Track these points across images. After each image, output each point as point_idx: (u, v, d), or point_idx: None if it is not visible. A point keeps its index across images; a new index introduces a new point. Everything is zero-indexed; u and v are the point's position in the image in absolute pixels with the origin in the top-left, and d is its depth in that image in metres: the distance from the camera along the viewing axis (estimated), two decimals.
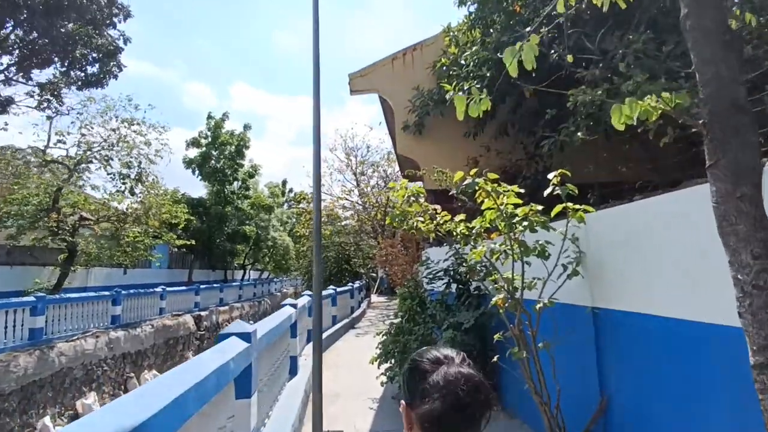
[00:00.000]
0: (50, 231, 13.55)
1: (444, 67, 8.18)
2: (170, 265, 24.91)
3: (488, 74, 6.27)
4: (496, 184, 3.31)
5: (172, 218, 17.05)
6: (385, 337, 6.83)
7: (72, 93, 12.66)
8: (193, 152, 25.00)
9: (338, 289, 13.72)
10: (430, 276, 6.40)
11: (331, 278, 27.91)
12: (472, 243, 4.26)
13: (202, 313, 19.11)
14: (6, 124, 12.28)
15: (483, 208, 3.57)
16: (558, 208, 3.17)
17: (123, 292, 13.78)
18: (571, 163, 4.83)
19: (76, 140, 13.13)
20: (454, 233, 4.38)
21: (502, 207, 3.38)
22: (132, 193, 14.41)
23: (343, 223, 29.59)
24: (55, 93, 12.49)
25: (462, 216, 4.37)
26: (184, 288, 18.64)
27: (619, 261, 3.31)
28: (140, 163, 14.23)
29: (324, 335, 11.58)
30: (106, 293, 13.09)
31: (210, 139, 24.82)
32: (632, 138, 4.81)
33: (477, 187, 3.34)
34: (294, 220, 29.51)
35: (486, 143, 7.77)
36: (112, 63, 12.70)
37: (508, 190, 3.32)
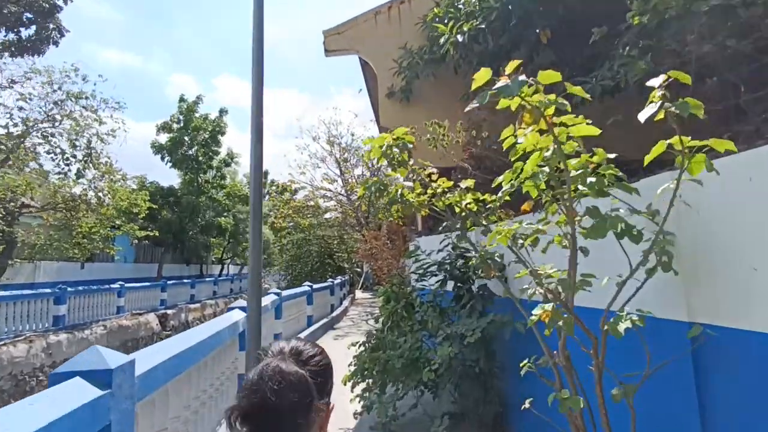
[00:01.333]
0: None
1: (437, 18, 6.72)
2: (137, 259, 23.10)
3: (497, 5, 4.82)
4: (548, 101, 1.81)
5: (131, 207, 15.35)
6: (361, 349, 5.39)
7: (5, 61, 10.87)
8: (164, 138, 23.15)
9: (315, 286, 12.25)
10: (421, 271, 4.98)
11: (313, 273, 26.38)
12: (484, 223, 2.85)
13: (169, 312, 17.46)
14: None
15: (514, 157, 2.14)
16: (660, 146, 1.73)
17: (70, 289, 12.12)
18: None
19: (12, 114, 11.37)
20: (458, 208, 2.97)
21: (555, 144, 1.93)
22: (79, 176, 12.67)
23: (326, 216, 28.07)
24: None
25: (469, 182, 2.94)
26: (148, 284, 16.97)
27: (744, 248, 1.91)
28: (90, 142, 12.50)
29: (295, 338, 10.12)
30: (47, 290, 11.42)
31: (182, 124, 22.98)
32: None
33: (516, 97, 1.82)
34: (274, 213, 27.97)
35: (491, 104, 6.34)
36: (50, 25, 10.93)
37: (570, 114, 1.85)
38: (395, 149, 2.70)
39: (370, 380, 4.85)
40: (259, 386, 0.85)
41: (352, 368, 5.06)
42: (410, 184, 2.90)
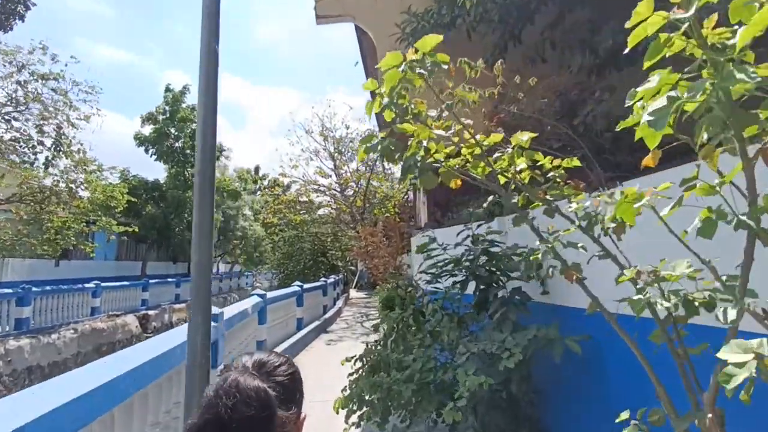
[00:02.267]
0: None
1: None
2: (119, 257, 21.92)
3: None
4: None
5: (107, 200, 14.24)
6: (357, 365, 4.38)
7: None
8: (149, 129, 21.96)
9: (306, 286, 11.24)
10: (434, 270, 3.99)
11: (305, 272, 25.34)
12: (548, 197, 1.87)
13: (151, 312, 16.36)
14: None
15: (648, 63, 1.15)
16: None
17: (35, 289, 11.02)
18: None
19: None
20: (503, 177, 1.98)
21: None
22: (47, 166, 11.55)
23: (319, 212, 27.04)
24: None
25: (529, 135, 1.93)
26: (127, 283, 15.86)
27: None
28: (60, 128, 11.37)
29: (285, 345, 9.11)
30: (7, 291, 10.31)
31: (168, 115, 21.81)
32: None
33: None
34: (266, 209, 26.86)
35: (514, 70, 5.38)
36: None
37: None
38: (420, 70, 1.69)
39: (369, 408, 3.86)
40: (215, 402, 0.83)
41: (347, 392, 4.05)
42: (441, 133, 1.89)
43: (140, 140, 21.44)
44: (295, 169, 19.95)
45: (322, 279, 14.67)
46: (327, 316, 13.46)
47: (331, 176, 23.31)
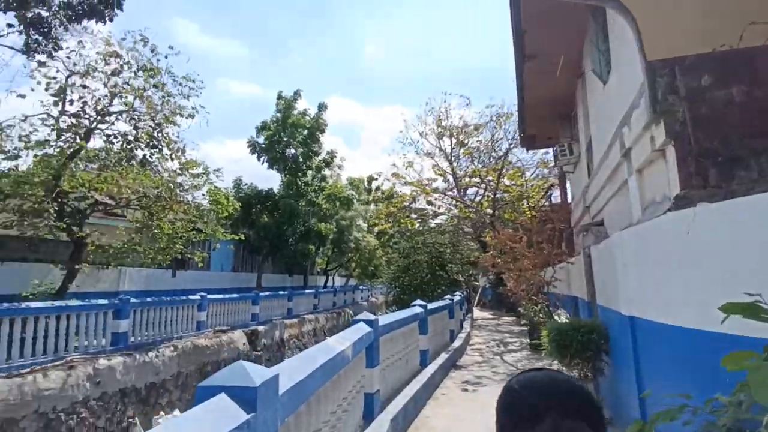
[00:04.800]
0: (52, 218, 10.30)
1: None
2: (236, 268, 21.69)
3: None
4: None
5: (212, 204, 13.28)
6: None
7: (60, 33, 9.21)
8: (262, 138, 21.62)
9: (430, 306, 8.50)
10: None
11: (423, 287, 22.73)
12: None
13: (260, 328, 15.13)
14: None
15: None
16: None
17: (134, 300, 10.03)
18: None
19: (76, 96, 9.73)
20: None
21: None
22: (144, 165, 10.67)
23: (437, 221, 24.37)
24: (45, 30, 9.14)
25: None
26: (236, 296, 14.79)
27: None
28: (159, 123, 10.44)
29: (408, 392, 6.31)
30: (103, 302, 9.34)
31: (279, 121, 21.24)
32: None
33: None
34: (379, 220, 24.95)
35: None
36: None
37: None
38: None
39: None
40: None
41: None
42: None
43: (253, 147, 21.11)
44: (410, 169, 17.62)
45: (447, 296, 11.81)
46: (456, 344, 10.55)
47: (448, 180, 20.56)
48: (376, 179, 13.59)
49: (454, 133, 17.13)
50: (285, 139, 20.91)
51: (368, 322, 4.83)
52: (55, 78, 9.58)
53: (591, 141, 8.06)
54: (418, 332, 7.70)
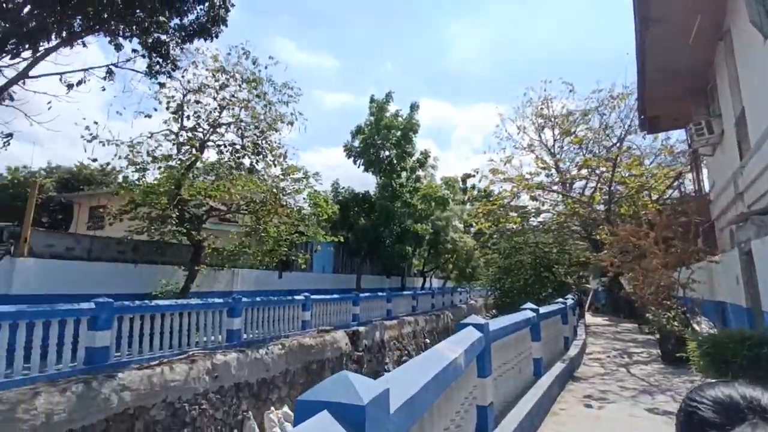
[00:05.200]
0: (174, 224, 11.35)
1: None
2: (336, 269, 22.32)
3: None
4: None
5: (316, 209, 13.68)
6: None
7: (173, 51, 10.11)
8: (357, 142, 22.05)
9: (542, 310, 7.67)
10: None
11: (527, 289, 21.33)
12: None
13: (361, 329, 15.25)
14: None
15: None
16: None
17: (245, 299, 10.60)
18: None
19: (192, 111, 10.61)
20: None
21: None
22: (251, 171, 11.26)
23: (540, 218, 22.75)
24: (164, 52, 10.11)
25: None
26: (337, 296, 15.07)
27: None
28: (262, 130, 10.97)
29: (521, 406, 5.63)
30: (218, 301, 9.98)
31: (373, 125, 21.48)
32: None
33: None
34: (477, 219, 23.87)
35: None
36: (218, 1, 9.65)
37: None
38: None
39: None
40: None
41: None
42: None
43: (349, 151, 21.60)
44: (508, 164, 16.52)
45: (559, 300, 10.72)
46: (571, 353, 9.48)
47: (551, 174, 18.90)
48: (473, 176, 12.95)
49: (558, 122, 15.64)
50: (379, 141, 21.07)
51: (478, 327, 4.32)
52: (173, 97, 10.50)
53: (744, 112, 6.63)
54: (530, 338, 6.96)
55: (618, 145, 14.64)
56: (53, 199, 21.72)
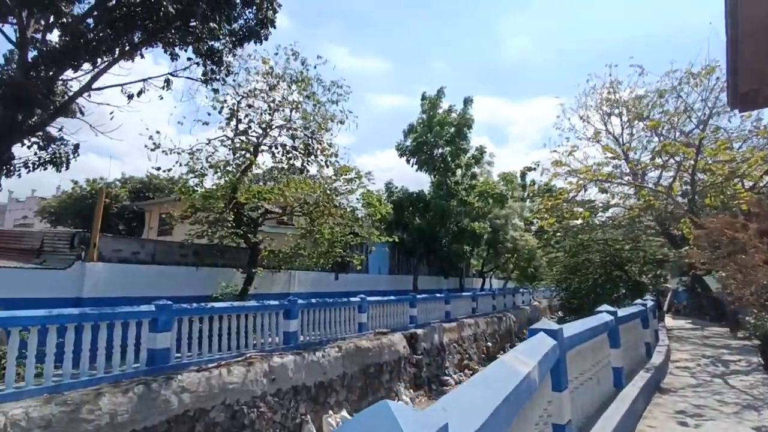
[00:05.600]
0: (230, 227, 11.55)
1: None
2: (393, 270, 22.00)
3: None
4: None
5: (370, 209, 13.45)
6: None
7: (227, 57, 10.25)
8: (410, 141, 21.64)
9: (621, 313, 6.82)
10: None
11: (596, 290, 19.85)
12: None
13: (419, 331, 14.80)
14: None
15: None
16: None
17: (301, 301, 10.52)
18: None
19: (243, 115, 10.73)
20: None
21: None
22: (302, 171, 11.18)
23: (608, 214, 21.09)
24: (217, 58, 10.29)
25: None
26: (394, 298, 14.72)
27: None
28: (312, 131, 10.88)
29: (601, 426, 4.91)
30: (275, 303, 9.95)
31: (425, 122, 20.97)
32: None
33: None
34: (539, 215, 22.46)
35: None
36: (265, 3, 9.67)
37: None
38: None
39: None
40: None
41: None
42: None
43: (402, 151, 21.22)
44: (571, 156, 15.31)
45: (638, 302, 9.64)
46: (655, 361, 8.45)
47: (620, 165, 17.30)
48: (533, 169, 12.06)
49: (629, 106, 14.18)
50: (432, 139, 20.53)
51: (551, 333, 3.76)
52: (225, 101, 10.67)
53: None
54: (609, 345, 6.19)
55: (701, 128, 13.03)
56: (127, 208, 23.24)
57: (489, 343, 20.23)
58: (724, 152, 11.64)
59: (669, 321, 20.78)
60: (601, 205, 19.15)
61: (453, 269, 26.31)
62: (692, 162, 11.97)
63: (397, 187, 21.51)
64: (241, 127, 10.65)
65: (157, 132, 10.72)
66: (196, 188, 10.97)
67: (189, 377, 7.21)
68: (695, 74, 12.64)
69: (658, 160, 14.40)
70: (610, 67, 16.40)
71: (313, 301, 11.11)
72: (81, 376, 6.25)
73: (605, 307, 6.57)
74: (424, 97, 21.63)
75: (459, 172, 21.62)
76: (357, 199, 13.49)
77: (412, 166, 21.05)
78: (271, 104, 10.62)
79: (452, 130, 20.74)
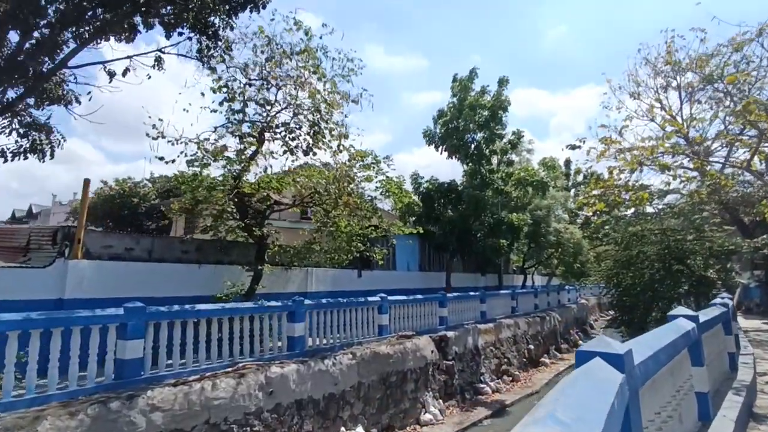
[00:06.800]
0: (233, 218, 10.53)
1: None
2: (423, 267, 20.47)
3: None
4: None
5: (389, 197, 12.10)
6: None
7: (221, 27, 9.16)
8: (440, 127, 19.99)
9: (702, 317, 5.08)
10: None
11: (654, 286, 17.54)
12: None
13: (450, 334, 13.30)
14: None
15: None
16: None
17: (308, 302, 9.30)
18: None
19: (238, 92, 9.60)
20: None
21: None
22: (306, 154, 9.92)
23: (666, 200, 18.62)
24: (211, 32, 9.23)
25: None
26: (420, 297, 13.29)
27: None
28: (318, 109, 9.60)
29: None
30: (276, 304, 8.78)
31: (456, 106, 19.26)
32: None
33: None
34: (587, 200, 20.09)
35: None
36: None
37: None
38: None
39: None
40: None
41: None
42: None
43: (429, 138, 19.60)
44: (622, 134, 13.21)
45: (717, 301, 7.71)
46: (743, 377, 6.59)
47: (679, 141, 14.87)
48: (579, 147, 10.45)
49: (693, 68, 11.95)
50: (463, 123, 18.80)
51: (613, 360, 2.25)
52: (221, 78, 9.60)
53: None
54: (690, 363, 4.52)
55: None
56: (155, 207, 23.01)
57: (531, 346, 18.37)
58: None
59: (741, 321, 18.12)
60: (657, 191, 16.84)
61: (490, 265, 24.48)
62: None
63: (423, 177, 19.94)
64: (237, 106, 9.53)
65: (160, 120, 9.78)
66: (196, 177, 9.99)
67: (162, 393, 6.12)
68: None
69: (731, 132, 12.09)
70: (665, 32, 14.04)
71: (324, 301, 9.87)
72: (27, 394, 5.27)
73: (682, 310, 4.89)
74: (455, 79, 19.92)
75: (494, 159, 19.79)
76: (376, 187, 12.14)
77: (441, 153, 19.39)
78: (271, 80, 9.44)
79: (486, 113, 18.92)
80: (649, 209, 18.77)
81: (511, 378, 15.63)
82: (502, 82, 19.67)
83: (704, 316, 5.36)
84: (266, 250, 10.65)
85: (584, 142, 11.04)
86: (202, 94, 10.10)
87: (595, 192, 12.20)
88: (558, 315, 23.10)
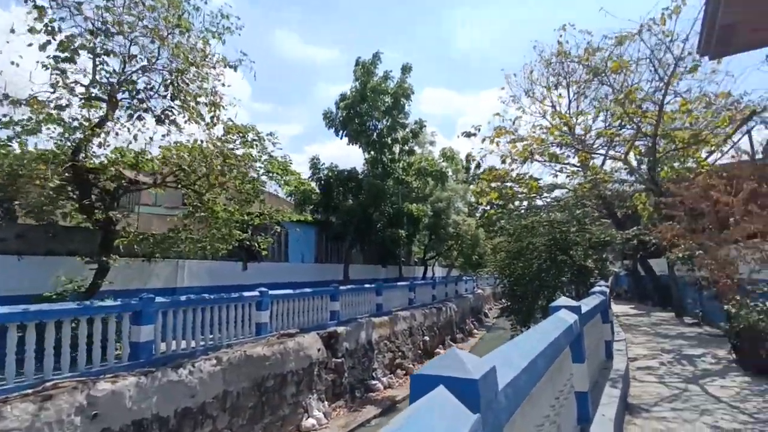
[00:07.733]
0: (70, 200, 8.50)
1: None
2: (319, 259, 19.35)
3: None
4: None
5: (273, 179, 10.78)
6: None
7: None
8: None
9: (585, 307, 4.67)
10: None
11: (541, 275, 18.30)
12: None
13: (341, 329, 12.39)
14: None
15: None
16: None
17: (161, 299, 7.71)
18: None
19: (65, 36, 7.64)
20: None
21: None
22: (160, 121, 8.27)
23: (553, 194, 19.64)
24: None
25: None
26: (309, 290, 12.16)
27: None
28: (180, 70, 7.98)
29: None
30: (114, 303, 7.09)
31: (357, 90, 18.36)
32: None
33: None
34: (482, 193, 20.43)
35: None
36: None
37: None
38: None
39: None
40: None
41: None
42: None
43: (329, 121, 18.47)
44: (516, 124, 13.25)
45: (596, 290, 7.67)
46: (618, 365, 6.50)
47: (564, 131, 15.36)
48: (475, 134, 10.33)
49: (581, 59, 12.30)
50: (366, 107, 17.95)
51: (459, 387, 1.36)
52: (58, 28, 7.55)
53: None
54: (570, 360, 3.99)
55: (666, 82, 11.19)
56: None
57: (426, 337, 18.23)
58: (686, 112, 10.01)
59: (613, 306, 19.75)
60: (545, 186, 17.60)
61: (391, 257, 24.12)
62: (652, 123, 10.27)
63: (323, 164, 18.78)
64: (62, 53, 7.53)
65: None
66: (8, 144, 7.80)
67: None
68: (656, 21, 10.87)
69: (613, 127, 12.71)
70: (561, 29, 14.39)
71: (183, 298, 8.32)
72: None
73: (564, 300, 4.38)
74: (357, 63, 18.98)
75: (396, 148, 19.26)
76: (260, 166, 10.75)
77: (341, 138, 18.36)
78: (115, 26, 7.59)
79: (388, 99, 18.28)
80: (539, 202, 19.70)
81: (404, 372, 15.21)
82: (406, 69, 19.16)
83: (586, 306, 4.97)
84: (114, 237, 8.76)
85: (479, 129, 10.82)
86: (30, 44, 7.93)
87: (492, 184, 12.15)
88: (455, 305, 23.45)
